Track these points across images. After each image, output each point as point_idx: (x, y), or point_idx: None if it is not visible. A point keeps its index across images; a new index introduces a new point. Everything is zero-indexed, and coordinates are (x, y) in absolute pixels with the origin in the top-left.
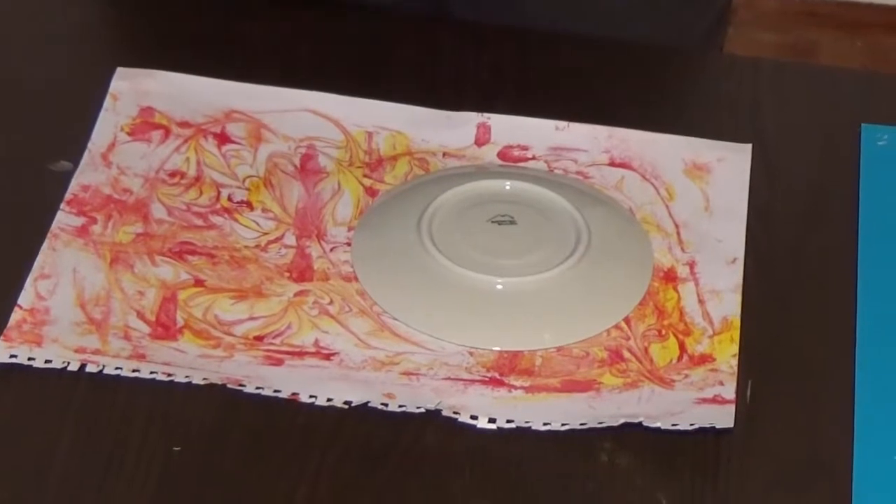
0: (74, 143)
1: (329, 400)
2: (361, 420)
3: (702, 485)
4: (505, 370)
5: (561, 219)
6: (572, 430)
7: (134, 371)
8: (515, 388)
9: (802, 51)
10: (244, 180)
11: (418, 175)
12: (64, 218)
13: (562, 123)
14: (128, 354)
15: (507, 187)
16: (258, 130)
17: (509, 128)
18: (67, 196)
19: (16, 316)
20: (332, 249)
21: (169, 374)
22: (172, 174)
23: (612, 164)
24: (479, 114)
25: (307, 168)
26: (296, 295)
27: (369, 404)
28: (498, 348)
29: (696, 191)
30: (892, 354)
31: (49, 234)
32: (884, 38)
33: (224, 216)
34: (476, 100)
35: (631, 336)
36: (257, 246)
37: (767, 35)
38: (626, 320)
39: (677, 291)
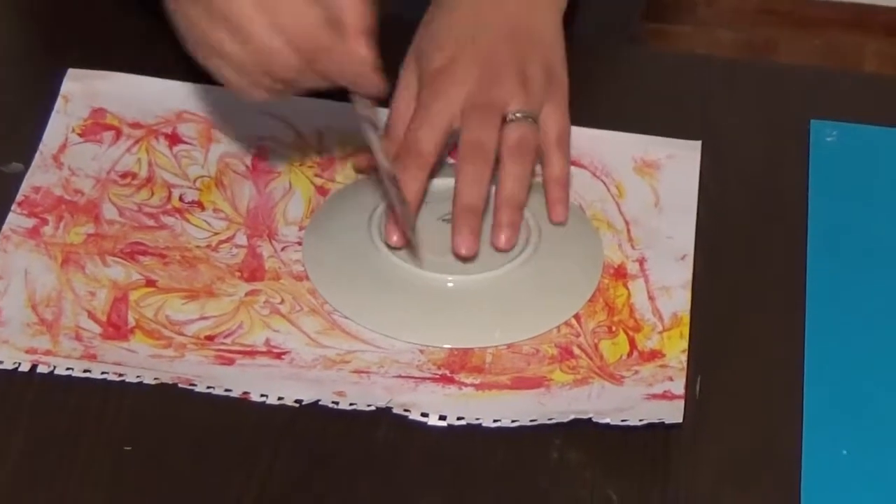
0: (25, 144)
1: (280, 399)
2: (312, 419)
3: (651, 479)
4: (455, 368)
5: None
6: (522, 427)
7: (85, 371)
8: (466, 385)
9: (761, 48)
10: (195, 180)
11: (367, 176)
12: (15, 219)
13: None
14: (79, 355)
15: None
16: (209, 131)
17: None
18: (18, 197)
19: None
20: (283, 249)
21: (120, 375)
22: (124, 175)
23: None
24: None
25: (258, 168)
26: (247, 294)
27: (320, 403)
28: (448, 346)
29: (646, 188)
30: (841, 349)
31: (0, 236)
32: (841, 36)
33: (175, 216)
34: None
35: (581, 333)
36: (208, 246)
37: (726, 33)
38: (577, 317)
39: (627, 288)
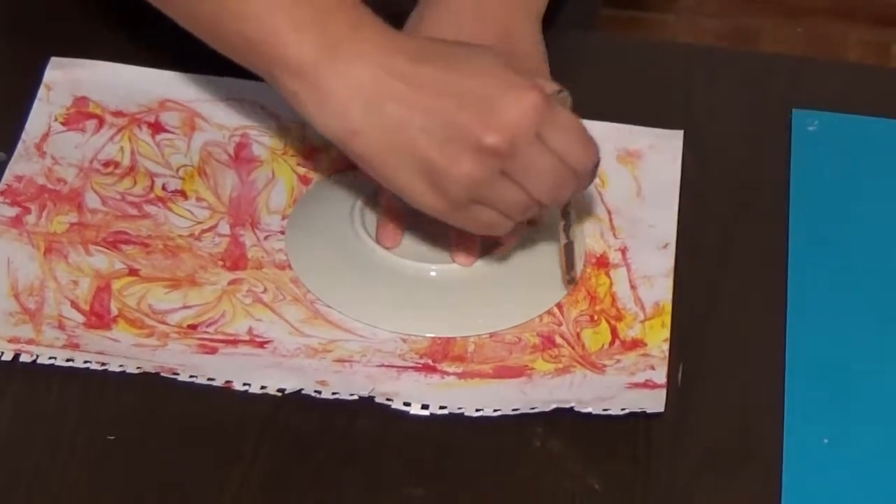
0: (8, 133)
1: (263, 388)
2: (295, 407)
3: (633, 468)
4: (438, 357)
5: None
6: (504, 416)
7: (68, 360)
8: (448, 374)
9: (744, 37)
10: (178, 169)
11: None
12: None
13: None
14: (62, 344)
15: None
16: (192, 119)
17: None
18: (1, 187)
19: None
20: (265, 238)
21: (103, 364)
22: (106, 164)
23: None
24: None
25: (241, 157)
26: (230, 283)
27: (303, 392)
28: (431, 335)
29: (628, 177)
30: (822, 338)
31: None
32: (825, 24)
33: (158, 205)
34: None
35: (563, 322)
36: (191, 235)
37: (710, 21)
38: (559, 306)
39: (609, 277)
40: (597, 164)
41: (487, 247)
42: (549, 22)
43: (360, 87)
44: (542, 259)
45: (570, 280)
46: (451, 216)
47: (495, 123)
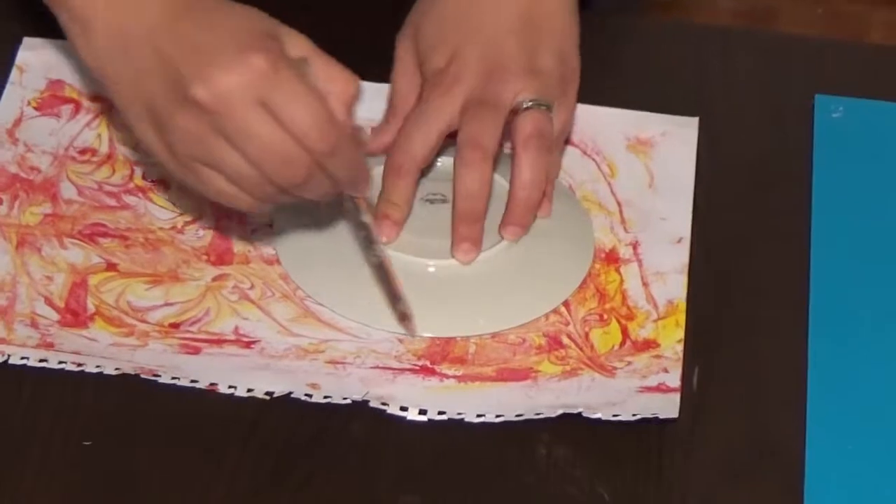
0: None
1: (249, 391)
2: (284, 412)
3: (645, 477)
4: (437, 358)
5: (496, 197)
6: (508, 422)
7: (41, 361)
8: (448, 377)
9: (761, 17)
10: None
11: None
12: None
13: None
14: (35, 343)
15: (439, 164)
16: None
17: None
18: None
19: None
20: (253, 231)
21: (79, 364)
22: (83, 151)
23: None
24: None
25: None
26: (214, 279)
27: (292, 395)
28: (429, 335)
29: (639, 167)
30: (845, 337)
31: None
32: (845, 5)
33: (138, 196)
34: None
35: (570, 321)
36: (173, 227)
37: (725, 1)
38: (566, 304)
39: (620, 273)
40: (335, 146)
41: (490, 241)
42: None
43: (121, 34)
44: (548, 254)
45: (403, 316)
46: (181, 174)
47: (206, 77)
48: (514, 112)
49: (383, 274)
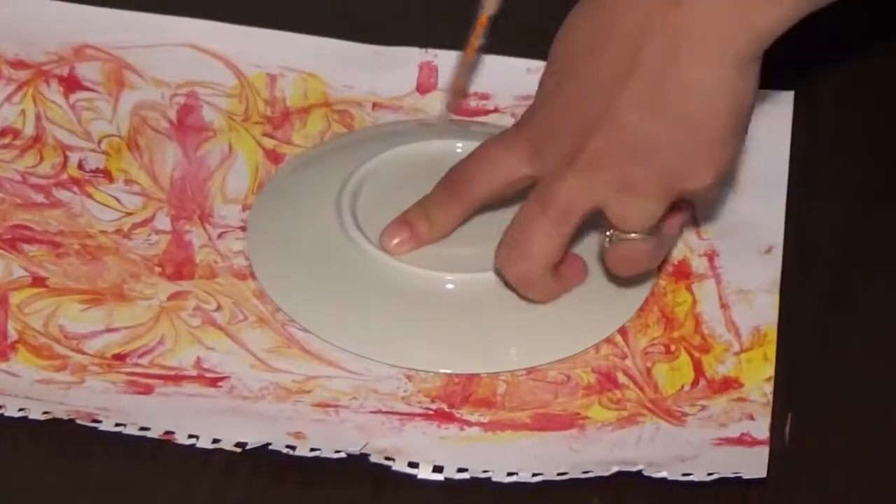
0: None
1: (215, 441)
2: (258, 469)
3: None
4: (456, 400)
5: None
6: (547, 483)
7: None
8: (470, 424)
9: None
10: (101, 141)
11: (338, 134)
12: None
13: (535, 63)
14: None
15: (459, 150)
16: (120, 72)
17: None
18: None
19: None
20: (220, 236)
21: None
22: (2, 132)
23: None
24: (423, 49)
25: (186, 124)
26: (170, 298)
27: (270, 447)
28: (446, 371)
29: None
30: None
31: None
32: None
33: (73, 190)
34: (418, 30)
35: (628, 354)
36: (118, 231)
37: None
38: (622, 332)
39: (692, 292)
40: None
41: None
42: None
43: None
44: (598, 268)
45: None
46: None
47: None
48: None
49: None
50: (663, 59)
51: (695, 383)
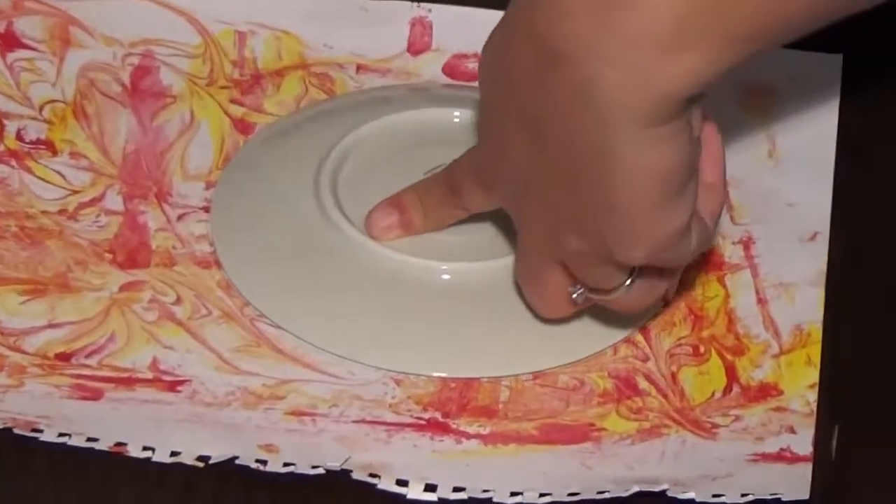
0: None
1: (174, 454)
2: (223, 487)
3: None
4: (452, 409)
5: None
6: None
7: None
8: (468, 436)
9: None
10: (42, 108)
11: (317, 101)
12: None
13: None
14: None
15: (456, 120)
16: (65, 28)
17: (461, 26)
18: None
19: None
20: (180, 218)
21: None
22: None
23: None
24: (415, 3)
25: (141, 88)
26: (122, 289)
27: (238, 462)
28: (441, 374)
29: (755, 129)
30: None
31: None
32: None
33: (11, 164)
34: None
35: (651, 356)
36: (62, 211)
37: None
38: (644, 331)
39: (724, 286)
40: None
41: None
42: None
43: None
44: None
45: None
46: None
47: None
48: None
49: None
50: (565, 123)
51: (727, 390)
